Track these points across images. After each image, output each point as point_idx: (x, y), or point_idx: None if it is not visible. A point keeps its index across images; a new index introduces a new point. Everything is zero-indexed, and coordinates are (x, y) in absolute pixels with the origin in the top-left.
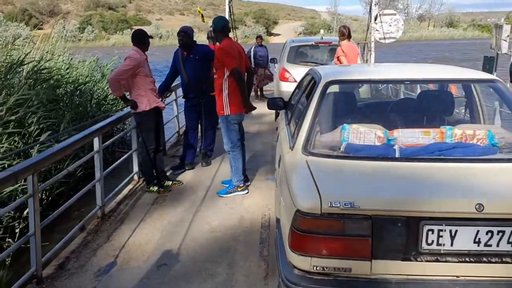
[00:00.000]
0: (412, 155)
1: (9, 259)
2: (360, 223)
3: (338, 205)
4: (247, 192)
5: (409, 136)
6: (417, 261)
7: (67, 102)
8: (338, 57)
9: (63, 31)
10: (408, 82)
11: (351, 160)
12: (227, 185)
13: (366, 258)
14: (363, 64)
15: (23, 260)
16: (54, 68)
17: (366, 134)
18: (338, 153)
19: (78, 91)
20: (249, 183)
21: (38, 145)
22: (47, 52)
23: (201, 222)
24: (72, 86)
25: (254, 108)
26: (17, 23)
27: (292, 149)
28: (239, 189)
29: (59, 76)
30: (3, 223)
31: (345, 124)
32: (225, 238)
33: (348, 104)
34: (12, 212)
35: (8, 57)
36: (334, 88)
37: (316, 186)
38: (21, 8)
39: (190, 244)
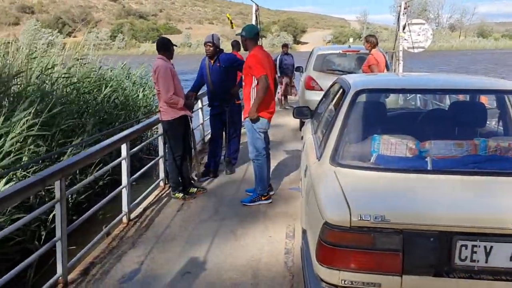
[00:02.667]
0: (445, 167)
1: (35, 263)
2: (390, 237)
3: (369, 219)
4: (271, 202)
5: (441, 148)
6: (449, 277)
7: (96, 108)
8: (369, 66)
9: (96, 39)
10: (441, 92)
11: (382, 172)
12: (251, 194)
13: (397, 273)
14: (392, 73)
15: (48, 264)
16: (84, 75)
17: (397, 145)
18: (368, 164)
19: (106, 98)
20: (273, 193)
21: (69, 149)
22: (78, 59)
23: (225, 230)
24: (101, 94)
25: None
26: (50, 30)
27: (319, 160)
28: (263, 198)
29: (89, 83)
30: (31, 227)
31: (375, 135)
32: (249, 247)
33: (378, 114)
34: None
35: (40, 64)
36: (364, 97)
37: (345, 198)
38: (56, 16)
39: (214, 252)
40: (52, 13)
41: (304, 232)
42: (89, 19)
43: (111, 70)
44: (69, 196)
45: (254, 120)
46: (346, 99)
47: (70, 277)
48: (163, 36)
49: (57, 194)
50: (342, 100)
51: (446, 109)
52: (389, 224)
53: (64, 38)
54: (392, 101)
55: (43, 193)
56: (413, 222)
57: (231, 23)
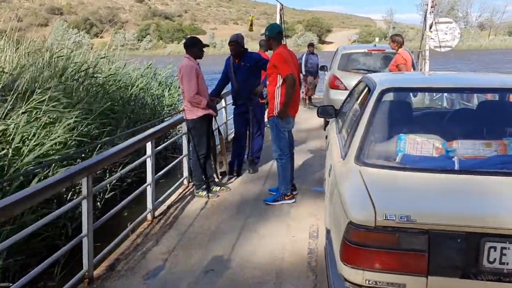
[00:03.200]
0: (472, 167)
1: (62, 258)
2: (416, 237)
3: (394, 218)
4: (295, 201)
5: (469, 148)
6: (477, 279)
7: (123, 106)
8: (397, 65)
9: (123, 39)
10: (469, 91)
11: (408, 172)
12: (274, 193)
13: (422, 274)
14: (418, 72)
15: (73, 260)
16: (112, 75)
17: (423, 144)
18: (394, 164)
19: (133, 97)
20: (297, 192)
21: (94, 147)
22: (105, 58)
23: (249, 229)
24: (128, 93)
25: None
26: (77, 31)
27: (344, 159)
28: (286, 198)
29: (116, 83)
30: (59, 224)
31: (401, 134)
32: (272, 246)
33: (404, 113)
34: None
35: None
36: (390, 96)
37: (370, 198)
38: (84, 17)
39: (237, 250)
40: (80, 14)
41: (328, 231)
42: (116, 20)
43: (135, 70)
44: (97, 193)
45: (284, 117)
46: (372, 97)
47: (96, 272)
48: (193, 36)
49: (84, 191)
50: (368, 99)
51: (474, 108)
52: (414, 224)
53: (91, 38)
54: (418, 101)
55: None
56: (440, 223)
57: (251, 25)
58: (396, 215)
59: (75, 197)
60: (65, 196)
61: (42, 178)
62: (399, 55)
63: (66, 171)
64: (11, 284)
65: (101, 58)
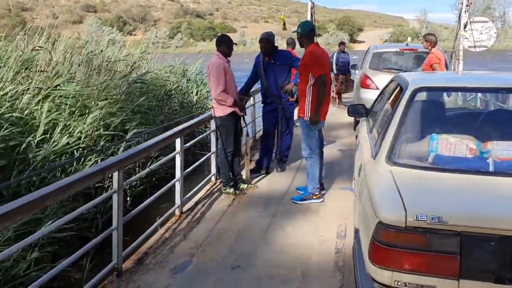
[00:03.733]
0: (508, 169)
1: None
2: (448, 239)
3: (425, 219)
4: (323, 201)
5: (504, 149)
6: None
7: (157, 105)
8: (431, 65)
9: (155, 37)
10: (505, 91)
11: (440, 172)
12: (302, 192)
13: (454, 277)
14: (451, 72)
15: (102, 252)
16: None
17: (456, 145)
18: (426, 164)
19: (166, 95)
20: (325, 192)
21: (123, 144)
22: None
23: (275, 227)
24: (162, 91)
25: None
26: (110, 28)
27: (374, 158)
28: (314, 197)
29: (151, 81)
30: (89, 216)
31: (433, 134)
32: (299, 245)
33: (437, 113)
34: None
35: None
36: (422, 96)
37: (401, 198)
38: (117, 15)
39: (263, 248)
40: (113, 12)
41: (356, 231)
42: (148, 18)
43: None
44: (127, 187)
45: (315, 122)
46: (404, 97)
47: (125, 265)
48: (224, 34)
49: (115, 185)
50: (400, 98)
51: (510, 109)
52: (446, 226)
53: (124, 36)
54: (450, 101)
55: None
56: (473, 225)
57: (284, 24)
58: (427, 216)
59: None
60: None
61: (72, 170)
62: (432, 54)
63: (97, 165)
64: (43, 274)
65: (140, 56)
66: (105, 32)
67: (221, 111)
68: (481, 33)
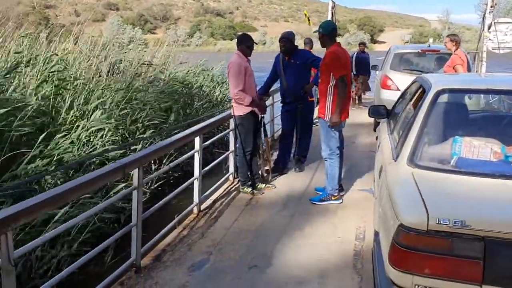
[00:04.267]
0: None
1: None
2: (470, 243)
3: (447, 223)
4: (341, 202)
5: None
6: None
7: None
8: (454, 66)
9: (175, 36)
10: None
11: (463, 176)
12: (320, 193)
13: (476, 283)
14: (474, 74)
15: (119, 249)
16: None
17: (480, 148)
18: (448, 167)
19: (187, 93)
20: (344, 193)
21: (142, 141)
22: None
23: (293, 228)
24: (182, 89)
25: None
26: (132, 26)
27: (395, 160)
28: (333, 198)
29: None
30: (109, 213)
31: (456, 137)
32: (317, 246)
33: (460, 115)
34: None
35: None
36: (445, 98)
37: (423, 201)
38: (138, 13)
39: (281, 248)
40: (135, 10)
41: (376, 234)
42: (169, 17)
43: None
44: (146, 184)
45: (335, 124)
46: (427, 98)
47: (143, 262)
48: (245, 33)
49: (135, 182)
50: (422, 100)
51: None
52: (469, 230)
53: (145, 34)
54: (473, 103)
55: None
56: (497, 230)
57: (308, 20)
58: (450, 219)
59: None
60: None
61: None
62: (456, 55)
63: (118, 161)
64: (64, 268)
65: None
66: (126, 30)
67: (240, 110)
68: (506, 35)
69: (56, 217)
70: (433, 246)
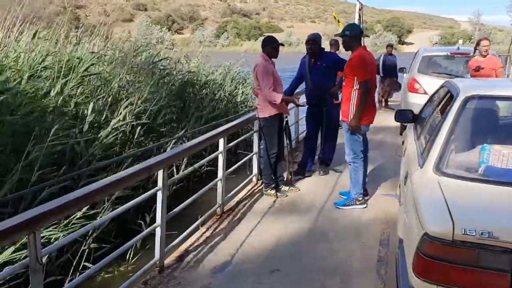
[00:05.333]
0: None
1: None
2: (498, 256)
3: (474, 234)
4: (366, 207)
5: None
6: None
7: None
8: (496, 70)
9: (201, 36)
10: None
11: (491, 185)
12: (345, 197)
13: None
14: (505, 79)
15: (141, 248)
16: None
17: (510, 157)
18: (476, 175)
19: (210, 94)
20: (368, 197)
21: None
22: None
23: (317, 232)
24: (206, 90)
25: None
26: (160, 27)
27: (421, 167)
28: (357, 203)
29: (195, 79)
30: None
31: (485, 144)
32: (340, 250)
33: (489, 122)
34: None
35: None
36: (474, 104)
37: (449, 210)
38: (166, 14)
39: (304, 251)
40: (163, 11)
41: (400, 241)
42: (196, 17)
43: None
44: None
45: (355, 128)
46: (455, 104)
47: (166, 262)
48: (270, 35)
49: (160, 182)
50: (450, 106)
51: None
52: (497, 242)
53: (172, 34)
54: (503, 110)
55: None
56: None
57: (338, 21)
58: (476, 230)
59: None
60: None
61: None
62: (494, 57)
63: (144, 162)
64: (90, 265)
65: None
66: (154, 30)
67: (265, 112)
68: None
69: (80, 214)
70: (458, 257)
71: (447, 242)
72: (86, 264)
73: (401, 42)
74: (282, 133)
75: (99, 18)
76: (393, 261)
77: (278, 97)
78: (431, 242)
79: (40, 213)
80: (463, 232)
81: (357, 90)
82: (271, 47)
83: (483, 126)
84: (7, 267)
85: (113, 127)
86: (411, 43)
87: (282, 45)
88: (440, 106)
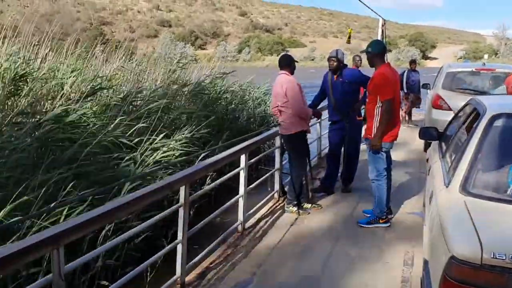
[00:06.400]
0: None
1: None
2: None
3: (503, 258)
4: (390, 225)
5: None
6: None
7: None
8: None
9: (224, 51)
10: None
11: None
12: (368, 215)
13: None
14: None
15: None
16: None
17: None
18: (505, 196)
19: (232, 110)
20: (392, 216)
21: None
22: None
23: (339, 251)
24: (228, 107)
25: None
26: (184, 43)
27: (447, 187)
28: (381, 221)
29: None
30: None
31: None
32: (363, 270)
33: None
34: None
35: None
36: (501, 122)
37: (476, 232)
38: (190, 30)
39: (326, 271)
40: (187, 27)
41: (425, 262)
42: (219, 33)
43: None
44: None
45: (376, 147)
46: (481, 122)
47: (187, 279)
48: (286, 53)
49: (181, 199)
50: (476, 124)
51: None
52: None
53: (195, 50)
54: None
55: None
56: None
57: (349, 38)
58: (506, 254)
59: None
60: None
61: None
62: None
63: (166, 178)
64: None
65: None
66: (178, 46)
67: (292, 129)
68: None
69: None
70: (487, 282)
71: (476, 266)
72: (104, 282)
73: (425, 57)
74: (308, 150)
75: (124, 34)
76: (418, 283)
77: (310, 112)
78: (458, 265)
79: (64, 229)
80: (492, 256)
81: (380, 108)
82: (289, 64)
83: (511, 145)
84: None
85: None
86: (435, 58)
87: (297, 61)
88: (465, 124)
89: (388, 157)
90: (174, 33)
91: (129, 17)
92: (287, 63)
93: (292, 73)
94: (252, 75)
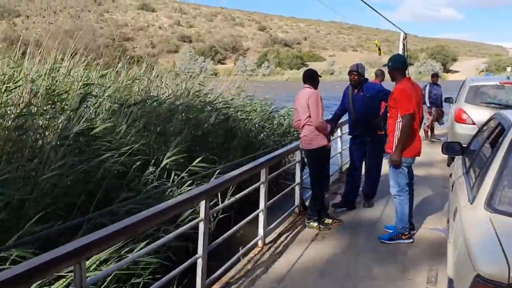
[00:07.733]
0: None
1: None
2: None
3: None
4: (412, 241)
5: None
6: None
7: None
8: None
9: (243, 66)
10: None
11: None
12: (390, 231)
13: None
14: None
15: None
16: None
17: None
18: None
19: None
20: (415, 232)
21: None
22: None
23: (360, 267)
24: (246, 122)
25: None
26: (203, 58)
27: (472, 203)
28: (403, 237)
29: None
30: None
31: None
32: (386, 287)
33: None
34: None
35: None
36: None
37: (503, 250)
38: (210, 45)
39: None
40: (207, 42)
41: (450, 281)
42: (239, 48)
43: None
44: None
45: (396, 163)
46: (507, 138)
47: None
48: (310, 68)
49: (202, 214)
50: (502, 139)
51: None
52: None
53: (215, 64)
54: None
55: None
56: None
57: (379, 49)
58: None
59: None
60: None
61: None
62: None
63: (187, 193)
64: None
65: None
66: (198, 61)
67: (314, 143)
68: None
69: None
70: None
71: (503, 285)
72: None
73: (446, 70)
74: (329, 165)
75: (146, 50)
76: None
77: (329, 127)
78: (484, 284)
79: (86, 243)
80: None
81: (400, 123)
82: (313, 79)
83: None
84: None
85: None
86: (457, 71)
87: (320, 76)
88: (490, 139)
89: (410, 172)
90: (194, 48)
91: (150, 33)
92: (311, 78)
93: (315, 87)
94: (280, 91)
